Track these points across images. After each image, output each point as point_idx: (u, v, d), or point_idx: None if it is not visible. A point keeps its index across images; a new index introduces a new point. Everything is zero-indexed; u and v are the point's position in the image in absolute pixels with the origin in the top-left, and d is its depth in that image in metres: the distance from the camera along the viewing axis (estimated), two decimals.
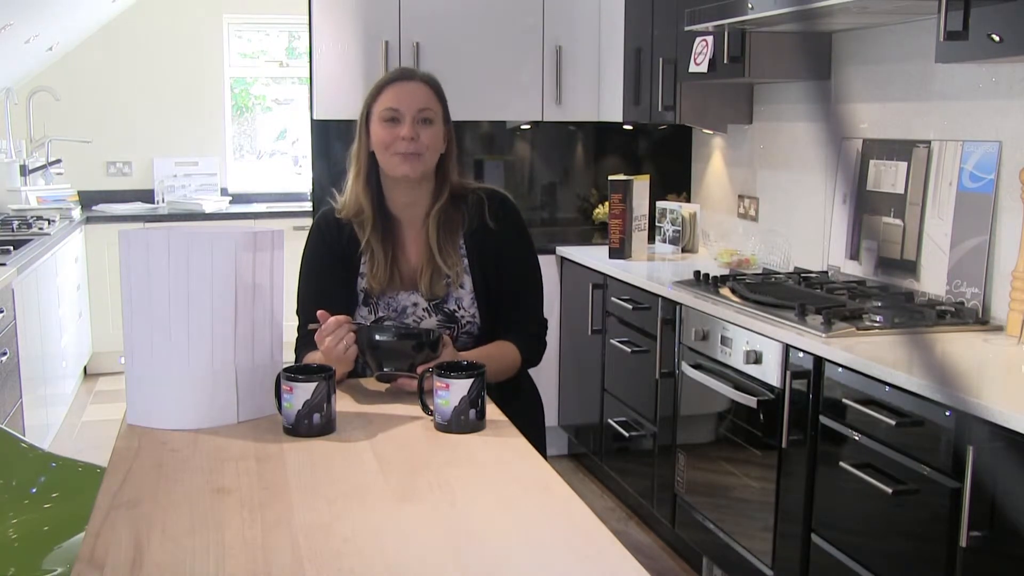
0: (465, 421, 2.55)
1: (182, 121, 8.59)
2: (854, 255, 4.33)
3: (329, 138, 6.12)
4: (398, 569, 1.83)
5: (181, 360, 2.55)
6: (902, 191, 4.04)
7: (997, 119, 3.64)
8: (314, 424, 2.50)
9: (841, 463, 3.28)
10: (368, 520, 2.03)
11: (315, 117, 5.94)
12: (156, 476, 2.26)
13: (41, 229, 6.62)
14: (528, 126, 6.39)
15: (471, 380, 2.55)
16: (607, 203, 5.56)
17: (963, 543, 2.76)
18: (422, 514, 2.06)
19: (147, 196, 8.45)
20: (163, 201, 8.39)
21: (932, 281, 3.87)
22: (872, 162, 4.22)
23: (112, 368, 7.82)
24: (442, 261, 3.05)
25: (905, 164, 4.03)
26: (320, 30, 5.78)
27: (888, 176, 4.12)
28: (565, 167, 6.50)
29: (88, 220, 7.82)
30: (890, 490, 3.02)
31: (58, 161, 8.06)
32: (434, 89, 3.05)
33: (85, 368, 7.87)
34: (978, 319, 3.60)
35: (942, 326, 3.55)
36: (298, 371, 2.53)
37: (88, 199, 8.21)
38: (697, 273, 4.45)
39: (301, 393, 2.48)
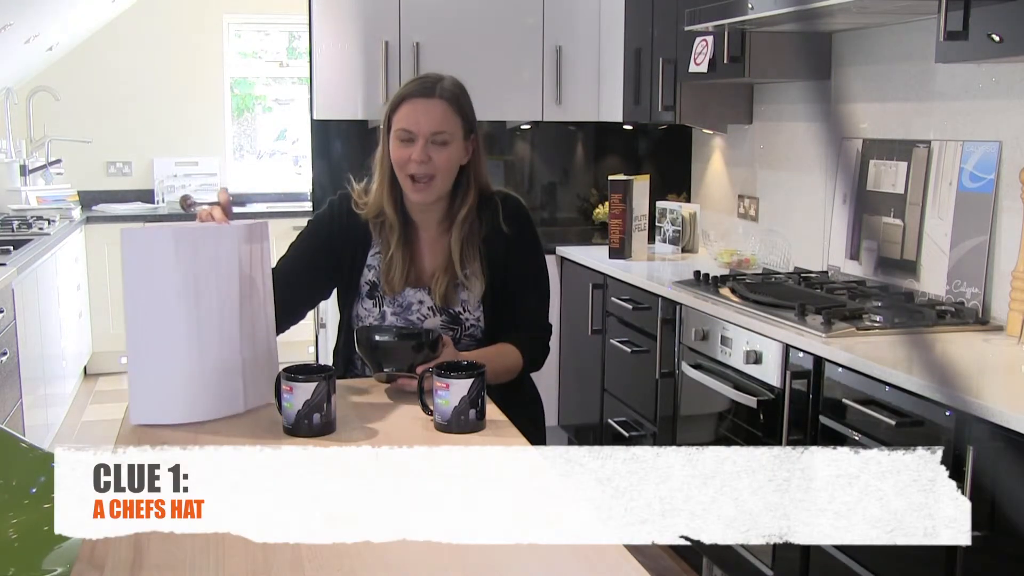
0: (465, 421, 2.55)
1: (182, 121, 8.56)
2: (854, 255, 4.33)
3: (329, 138, 6.12)
4: (398, 570, 1.85)
5: (190, 354, 2.57)
6: (902, 191, 4.03)
7: (997, 119, 3.64)
8: (314, 424, 2.50)
9: None
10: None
11: (315, 117, 5.93)
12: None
13: (41, 229, 6.61)
14: (528, 126, 6.39)
15: (471, 380, 2.54)
16: (607, 203, 5.55)
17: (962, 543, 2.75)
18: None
19: (147, 196, 8.43)
20: (163, 201, 8.35)
21: (932, 281, 3.87)
22: (872, 162, 4.21)
23: (112, 368, 7.78)
24: (461, 270, 3.05)
25: (905, 164, 4.03)
26: (320, 30, 5.77)
27: (888, 176, 4.12)
28: (565, 167, 6.50)
29: (88, 220, 7.79)
30: None
31: (58, 161, 8.04)
32: (454, 105, 3.00)
33: (85, 368, 7.84)
34: (978, 319, 3.59)
35: (942, 326, 3.54)
36: (298, 371, 2.52)
37: (88, 199, 8.18)
38: (697, 273, 4.43)
39: (301, 393, 2.48)
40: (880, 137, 4.22)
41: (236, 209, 7.89)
